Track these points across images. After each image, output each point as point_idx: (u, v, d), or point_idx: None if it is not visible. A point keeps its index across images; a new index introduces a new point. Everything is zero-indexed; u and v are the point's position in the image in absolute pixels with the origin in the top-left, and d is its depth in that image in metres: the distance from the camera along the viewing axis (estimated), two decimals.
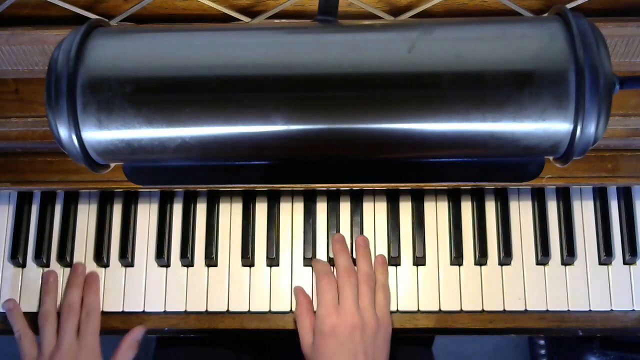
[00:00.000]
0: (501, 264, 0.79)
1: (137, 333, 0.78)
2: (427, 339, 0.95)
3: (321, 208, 0.81)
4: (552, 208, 0.80)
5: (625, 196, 0.80)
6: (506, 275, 0.78)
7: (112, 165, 0.41)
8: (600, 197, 0.80)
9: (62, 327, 0.75)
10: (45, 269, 0.80)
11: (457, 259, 0.78)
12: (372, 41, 0.37)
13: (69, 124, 0.35)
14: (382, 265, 0.78)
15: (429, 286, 0.78)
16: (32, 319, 0.78)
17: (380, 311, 0.74)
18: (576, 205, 0.80)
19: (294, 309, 0.78)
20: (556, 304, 0.77)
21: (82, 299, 0.77)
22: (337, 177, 0.44)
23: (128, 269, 0.80)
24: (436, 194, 0.81)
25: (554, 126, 0.35)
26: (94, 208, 0.82)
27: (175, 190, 0.81)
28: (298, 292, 0.78)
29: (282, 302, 0.79)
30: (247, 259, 0.80)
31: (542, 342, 1.45)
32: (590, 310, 0.77)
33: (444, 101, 0.35)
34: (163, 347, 0.90)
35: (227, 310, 0.78)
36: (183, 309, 0.79)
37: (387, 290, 0.77)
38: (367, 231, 0.80)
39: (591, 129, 0.34)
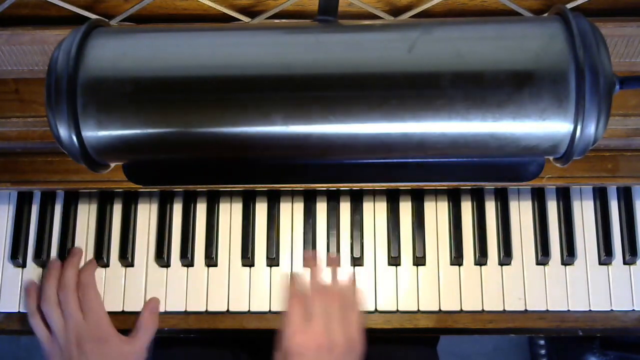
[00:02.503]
0: (501, 264, 0.79)
1: (154, 303, 0.79)
2: (432, 339, 0.94)
3: (321, 208, 0.81)
4: (552, 208, 0.80)
5: (625, 196, 0.80)
6: (506, 275, 0.78)
7: (112, 165, 0.41)
8: (600, 197, 0.80)
9: (63, 308, 0.76)
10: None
11: (457, 259, 0.78)
12: (372, 41, 0.37)
13: (69, 124, 0.35)
14: (355, 285, 0.77)
15: (429, 286, 0.78)
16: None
17: (351, 331, 0.72)
18: (576, 205, 0.80)
19: None
20: (556, 304, 0.77)
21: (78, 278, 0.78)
22: (337, 177, 0.44)
23: (128, 269, 0.80)
24: (436, 194, 0.81)
25: (554, 126, 0.35)
26: (94, 208, 0.82)
27: (175, 190, 0.81)
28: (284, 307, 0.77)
29: (282, 302, 0.78)
30: (247, 259, 0.80)
31: (542, 342, 1.45)
32: (590, 310, 0.77)
33: (444, 101, 0.35)
34: (163, 347, 0.90)
35: (227, 310, 0.78)
36: (183, 309, 0.79)
37: (359, 310, 0.75)
38: (367, 231, 0.80)
39: (591, 129, 0.34)
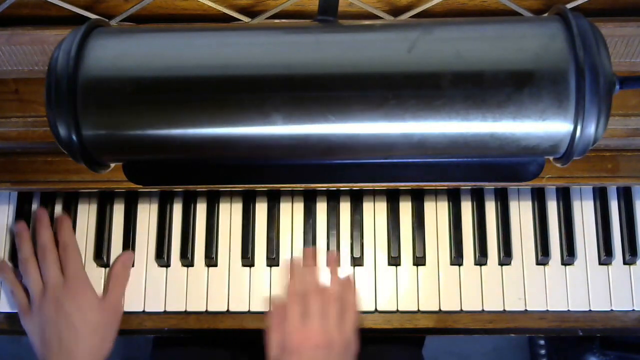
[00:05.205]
0: (501, 264, 0.79)
1: (127, 256, 0.79)
2: (418, 339, 0.94)
3: (321, 208, 0.81)
4: (552, 208, 0.80)
5: (625, 196, 0.80)
6: (506, 275, 0.78)
7: (112, 165, 0.41)
8: (600, 197, 0.80)
9: (42, 268, 0.75)
10: None
11: (457, 259, 0.78)
12: (372, 41, 0.37)
13: (69, 124, 0.35)
14: (352, 285, 0.77)
15: (429, 286, 0.78)
16: None
17: (347, 331, 0.73)
18: (576, 205, 0.80)
19: None
20: (556, 304, 0.77)
21: (57, 239, 0.78)
22: (337, 177, 0.44)
23: None
24: (436, 194, 0.81)
25: (554, 126, 0.35)
26: (94, 208, 0.82)
27: (175, 190, 0.81)
28: (275, 302, 0.75)
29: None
30: (247, 259, 0.80)
31: (542, 342, 1.45)
32: (590, 310, 0.77)
33: (444, 101, 0.35)
34: (162, 347, 0.90)
35: (227, 310, 0.78)
36: (183, 309, 0.79)
37: (355, 310, 0.75)
38: (367, 231, 0.80)
39: (591, 129, 0.34)
